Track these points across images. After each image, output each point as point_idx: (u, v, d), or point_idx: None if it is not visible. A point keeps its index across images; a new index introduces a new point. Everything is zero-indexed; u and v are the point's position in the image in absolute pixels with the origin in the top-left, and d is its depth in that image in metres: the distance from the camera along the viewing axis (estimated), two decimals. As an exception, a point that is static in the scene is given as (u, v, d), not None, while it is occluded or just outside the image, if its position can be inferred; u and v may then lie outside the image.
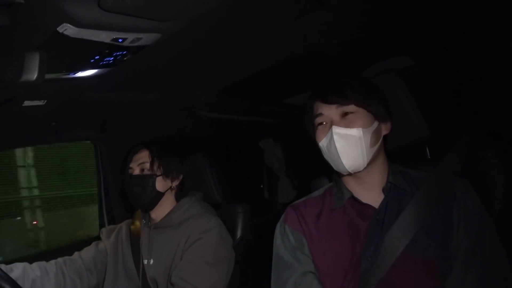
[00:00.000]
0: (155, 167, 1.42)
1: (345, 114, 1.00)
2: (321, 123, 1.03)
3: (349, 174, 1.02)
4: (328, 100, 1.01)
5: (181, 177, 1.50)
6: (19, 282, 1.21)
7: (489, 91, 1.71)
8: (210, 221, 1.40)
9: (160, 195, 1.42)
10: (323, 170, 1.24)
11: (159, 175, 1.42)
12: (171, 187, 1.47)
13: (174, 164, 1.47)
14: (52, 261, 1.38)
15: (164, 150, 1.46)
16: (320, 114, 1.03)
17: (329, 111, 1.01)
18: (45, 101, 1.15)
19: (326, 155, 1.02)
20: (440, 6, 1.25)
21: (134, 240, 1.47)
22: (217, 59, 1.26)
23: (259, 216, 1.74)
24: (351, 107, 0.99)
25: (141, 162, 1.43)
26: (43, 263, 1.36)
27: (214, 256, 1.33)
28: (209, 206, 1.55)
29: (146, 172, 1.42)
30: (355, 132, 0.97)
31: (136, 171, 1.43)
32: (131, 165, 1.45)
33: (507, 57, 1.40)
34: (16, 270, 1.26)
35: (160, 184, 1.42)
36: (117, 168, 1.80)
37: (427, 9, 1.27)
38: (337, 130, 0.98)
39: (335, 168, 1.02)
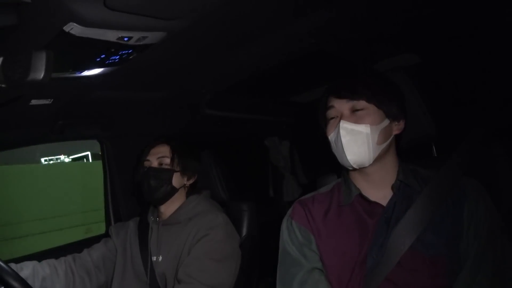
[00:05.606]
0: (174, 163, 1.44)
1: (355, 110, 0.99)
2: (332, 117, 1.04)
3: (356, 170, 1.02)
4: (340, 95, 1.02)
5: (196, 176, 1.52)
6: (29, 281, 1.21)
7: (495, 88, 1.70)
8: (217, 218, 1.41)
9: (174, 191, 1.44)
10: (329, 168, 1.23)
11: (177, 171, 1.44)
12: (185, 185, 1.48)
13: (192, 162, 1.49)
14: (61, 258, 1.40)
15: (184, 148, 1.49)
16: (331, 107, 1.03)
17: (340, 105, 1.01)
18: (52, 99, 1.16)
19: (334, 149, 1.02)
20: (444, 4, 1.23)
21: (142, 237, 1.48)
22: (223, 57, 1.26)
23: (264, 214, 1.74)
24: (361, 103, 0.99)
25: (160, 156, 1.44)
26: (52, 260, 1.37)
27: (221, 253, 1.34)
28: (216, 203, 1.56)
29: (165, 166, 1.43)
30: (363, 128, 0.96)
31: (154, 164, 1.44)
32: (148, 158, 1.45)
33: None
34: (26, 269, 1.27)
35: (177, 180, 1.44)
36: (123, 166, 1.81)
37: (432, 5, 1.26)
38: (344, 125, 0.98)
39: (340, 162, 1.02)
